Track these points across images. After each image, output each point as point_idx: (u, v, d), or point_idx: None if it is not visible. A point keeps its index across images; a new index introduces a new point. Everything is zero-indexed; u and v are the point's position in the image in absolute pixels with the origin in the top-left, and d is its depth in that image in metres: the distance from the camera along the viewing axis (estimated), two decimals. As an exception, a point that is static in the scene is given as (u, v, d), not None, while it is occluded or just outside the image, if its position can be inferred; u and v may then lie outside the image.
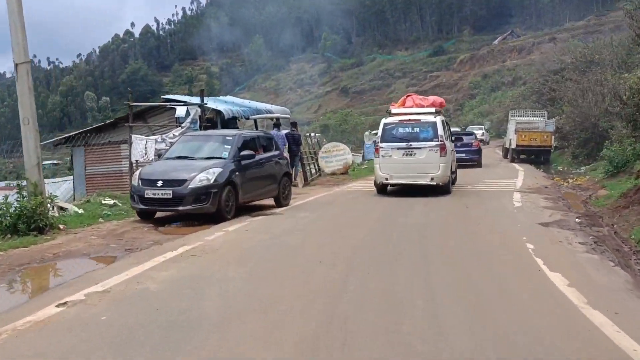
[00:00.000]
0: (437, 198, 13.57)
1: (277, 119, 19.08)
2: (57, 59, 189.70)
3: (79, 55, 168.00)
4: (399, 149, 14.02)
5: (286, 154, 14.89)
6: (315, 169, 23.88)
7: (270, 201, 12.48)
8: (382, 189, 14.57)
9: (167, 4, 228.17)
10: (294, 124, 19.59)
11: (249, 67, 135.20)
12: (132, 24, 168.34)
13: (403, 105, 15.84)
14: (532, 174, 21.52)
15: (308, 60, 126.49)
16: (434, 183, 13.85)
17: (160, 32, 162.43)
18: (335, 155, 23.05)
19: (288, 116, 20.25)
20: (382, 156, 14.20)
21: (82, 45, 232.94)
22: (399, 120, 14.51)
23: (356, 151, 42.99)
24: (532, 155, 27.61)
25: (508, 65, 70.50)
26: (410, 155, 13.96)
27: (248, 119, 17.99)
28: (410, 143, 13.97)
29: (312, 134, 26.63)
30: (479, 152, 24.86)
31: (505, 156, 30.79)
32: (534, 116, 28.83)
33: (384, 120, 14.75)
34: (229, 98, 19.98)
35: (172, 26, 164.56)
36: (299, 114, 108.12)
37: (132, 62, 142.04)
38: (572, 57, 32.07)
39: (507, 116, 38.31)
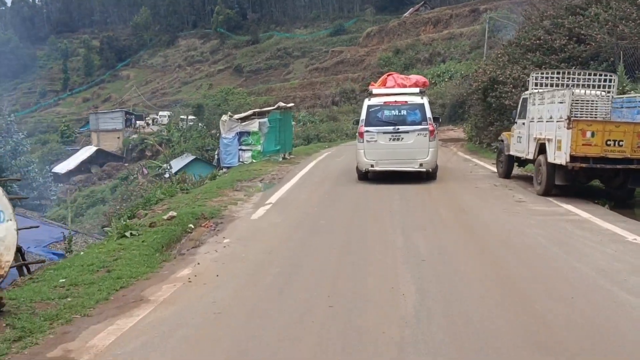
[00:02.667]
0: None
1: None
2: None
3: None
4: (385, 133, 11.72)
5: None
6: None
7: None
8: (364, 177, 12.23)
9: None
10: None
11: (134, 41, 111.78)
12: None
13: (384, 85, 13.83)
14: None
15: (199, 36, 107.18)
16: (423, 169, 11.72)
17: (36, 1, 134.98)
18: None
19: None
20: (367, 141, 11.77)
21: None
22: (384, 102, 12.01)
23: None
24: (607, 182, 9.84)
25: (423, 39, 53.29)
26: (398, 139, 11.69)
27: None
28: (397, 127, 11.70)
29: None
30: None
31: (506, 175, 12.77)
32: (589, 85, 10.91)
33: (367, 102, 12.14)
34: None
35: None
36: (187, 93, 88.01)
37: (0, 32, 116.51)
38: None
39: (475, 90, 20.43)
